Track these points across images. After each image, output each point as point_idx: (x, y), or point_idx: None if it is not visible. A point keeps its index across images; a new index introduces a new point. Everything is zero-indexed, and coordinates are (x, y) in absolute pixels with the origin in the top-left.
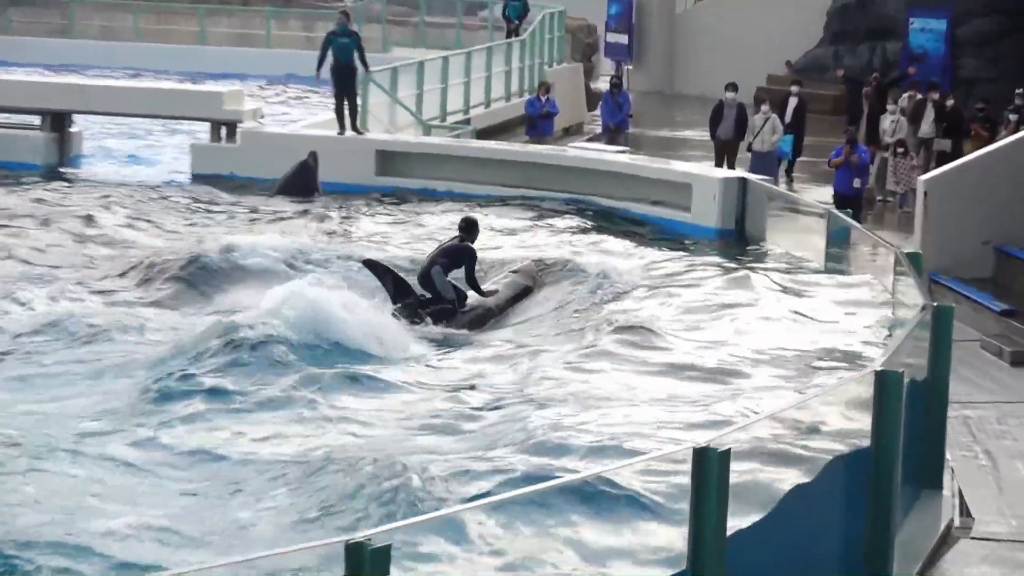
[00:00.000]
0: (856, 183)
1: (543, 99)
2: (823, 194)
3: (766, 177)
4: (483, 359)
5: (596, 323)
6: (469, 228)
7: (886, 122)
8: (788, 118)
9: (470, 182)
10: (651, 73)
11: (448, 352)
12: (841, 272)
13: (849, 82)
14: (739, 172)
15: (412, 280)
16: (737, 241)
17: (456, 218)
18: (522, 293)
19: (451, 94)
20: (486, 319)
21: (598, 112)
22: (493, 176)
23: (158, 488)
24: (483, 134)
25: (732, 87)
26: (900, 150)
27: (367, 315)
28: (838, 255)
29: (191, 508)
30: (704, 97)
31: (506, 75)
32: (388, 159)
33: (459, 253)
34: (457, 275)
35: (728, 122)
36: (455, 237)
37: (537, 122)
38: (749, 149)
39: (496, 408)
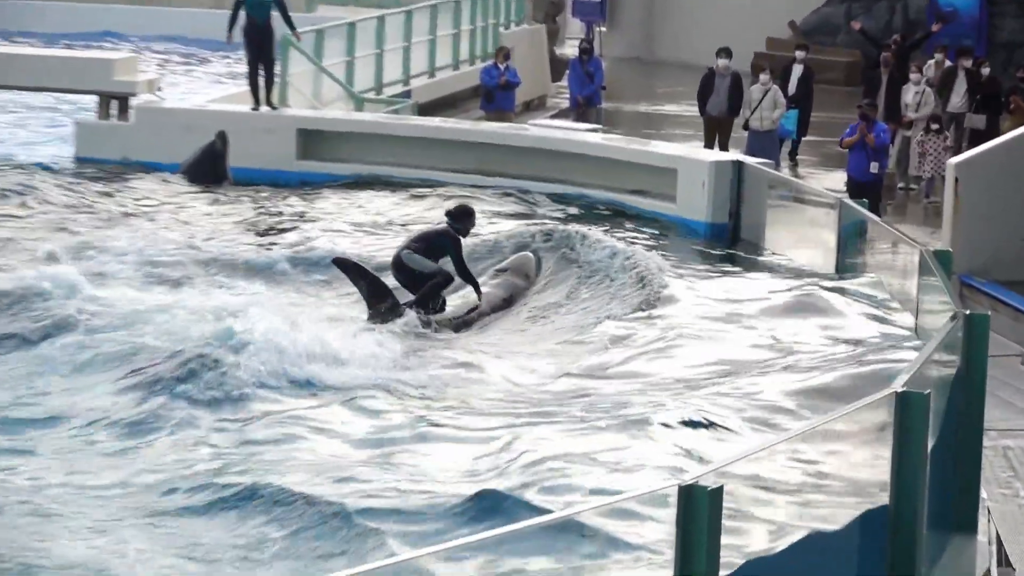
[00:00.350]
0: (873, 167)
1: (502, 67)
2: (834, 180)
3: (766, 160)
4: (458, 376)
5: (584, 333)
6: (460, 216)
7: (909, 94)
8: (792, 89)
9: (411, 167)
10: (628, 36)
11: (421, 364)
12: (855, 274)
13: (867, 40)
14: (733, 154)
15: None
16: (731, 237)
17: (395, 211)
18: (517, 295)
19: (388, 61)
20: (472, 324)
21: (564, 83)
22: (439, 159)
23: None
24: (426, 109)
25: (725, 53)
26: (935, 126)
27: (318, 336)
28: (851, 253)
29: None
30: (691, 65)
31: (454, 39)
32: (312, 140)
33: (437, 238)
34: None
35: (720, 95)
36: (440, 223)
37: (495, 94)
38: (745, 127)
39: (460, 438)
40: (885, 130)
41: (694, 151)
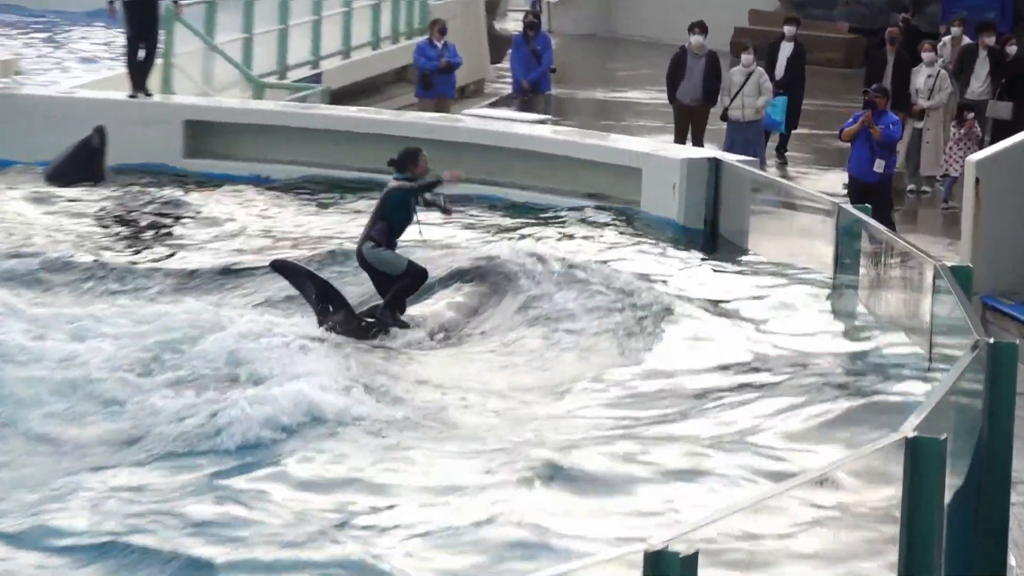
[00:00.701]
0: (878, 166)
1: (439, 44)
2: (831, 181)
3: (749, 158)
4: (437, 405)
5: (548, 360)
6: (403, 162)
7: (920, 78)
8: (780, 72)
9: (322, 166)
10: (582, 8)
11: (394, 390)
12: (856, 294)
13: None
14: (710, 150)
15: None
16: (707, 247)
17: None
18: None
19: (294, 39)
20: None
21: (506, 65)
22: (355, 157)
23: None
24: (340, 96)
25: (699, 28)
26: (970, 115)
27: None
28: (851, 269)
29: None
30: (658, 43)
31: (373, 12)
32: (202, 133)
33: (387, 202)
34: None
35: (694, 79)
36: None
37: (433, 78)
38: (724, 117)
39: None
40: (895, 122)
41: (662, 147)
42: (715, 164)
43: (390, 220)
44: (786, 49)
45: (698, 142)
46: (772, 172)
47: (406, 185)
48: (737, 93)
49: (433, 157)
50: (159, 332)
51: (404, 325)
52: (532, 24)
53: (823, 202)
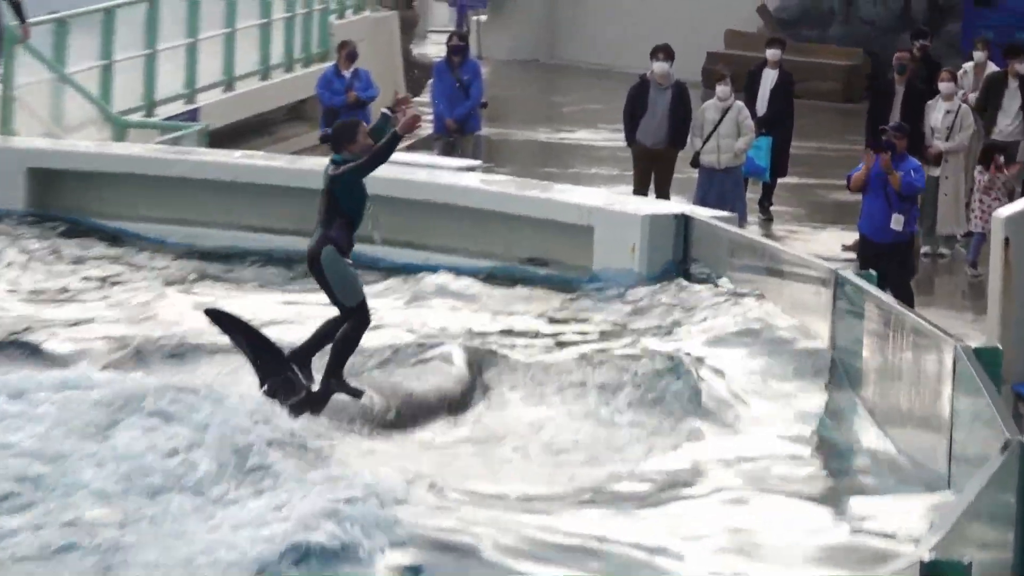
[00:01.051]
0: (896, 222)
1: (347, 73)
2: (827, 242)
3: (725, 213)
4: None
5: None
6: (337, 141)
7: (937, 114)
8: (763, 107)
9: (199, 224)
10: (520, 29)
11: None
12: (858, 382)
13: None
14: (677, 204)
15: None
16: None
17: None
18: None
19: (164, 67)
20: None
21: (426, 98)
22: (240, 213)
23: None
24: (222, 137)
25: (664, 53)
26: (998, 158)
27: None
28: (852, 352)
29: None
30: (611, 70)
31: (262, 33)
32: (49, 182)
33: (336, 189)
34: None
35: (657, 116)
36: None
37: (341, 116)
38: (695, 163)
39: None
40: (918, 168)
41: (619, 200)
42: (684, 221)
43: (348, 212)
44: (769, 78)
45: (663, 193)
46: (754, 230)
47: (352, 164)
48: (711, 133)
49: None
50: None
51: (357, 394)
52: (458, 48)
53: (818, 268)
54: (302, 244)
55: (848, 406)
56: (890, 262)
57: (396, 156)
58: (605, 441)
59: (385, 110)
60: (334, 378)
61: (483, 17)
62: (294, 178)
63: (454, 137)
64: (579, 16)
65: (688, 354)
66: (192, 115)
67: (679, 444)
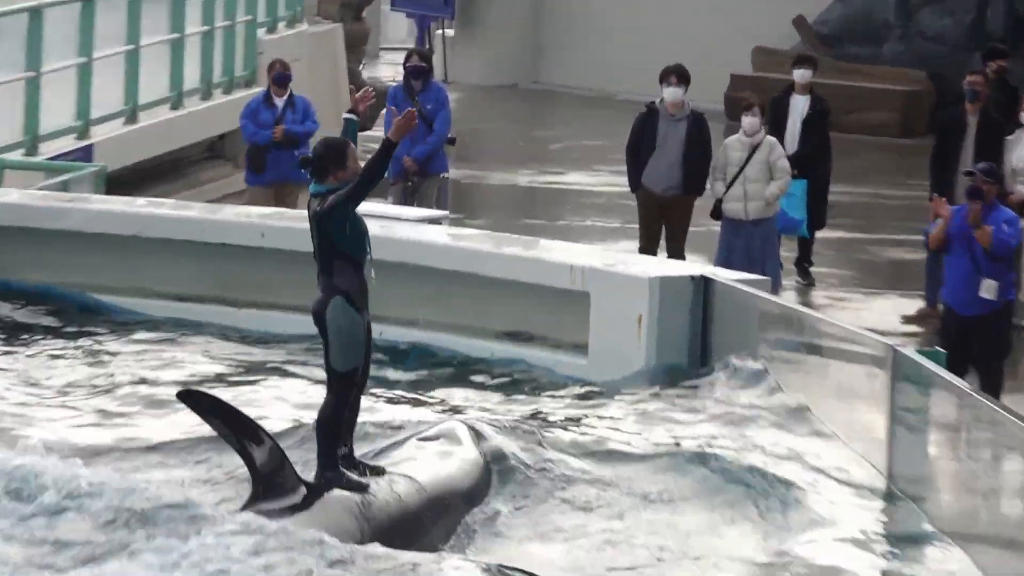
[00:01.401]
0: (988, 288)
1: (279, 101)
2: (885, 312)
3: (755, 276)
4: None
5: None
6: (321, 167)
7: (1020, 151)
8: (792, 143)
9: (93, 289)
10: (495, 47)
11: None
12: (925, 496)
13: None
14: (694, 265)
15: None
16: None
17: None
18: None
19: (49, 94)
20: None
21: (378, 132)
22: (147, 276)
23: None
24: (121, 181)
25: (677, 76)
26: None
27: None
28: (918, 455)
29: None
30: (610, 97)
31: (172, 50)
32: None
33: (329, 230)
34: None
35: (669, 155)
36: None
37: (268, 154)
38: (717, 214)
39: None
40: (1012, 220)
41: (620, 259)
42: (703, 285)
43: (348, 252)
44: (799, 106)
45: (676, 251)
46: (791, 297)
47: (342, 194)
48: (736, 176)
49: (265, 277)
50: None
51: (363, 488)
52: (419, 70)
53: (871, 344)
54: (219, 315)
55: (915, 527)
56: (979, 339)
57: None
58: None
59: (348, 115)
60: (329, 471)
61: (450, 31)
62: (213, 232)
63: (414, 181)
64: (570, 31)
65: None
66: (85, 153)
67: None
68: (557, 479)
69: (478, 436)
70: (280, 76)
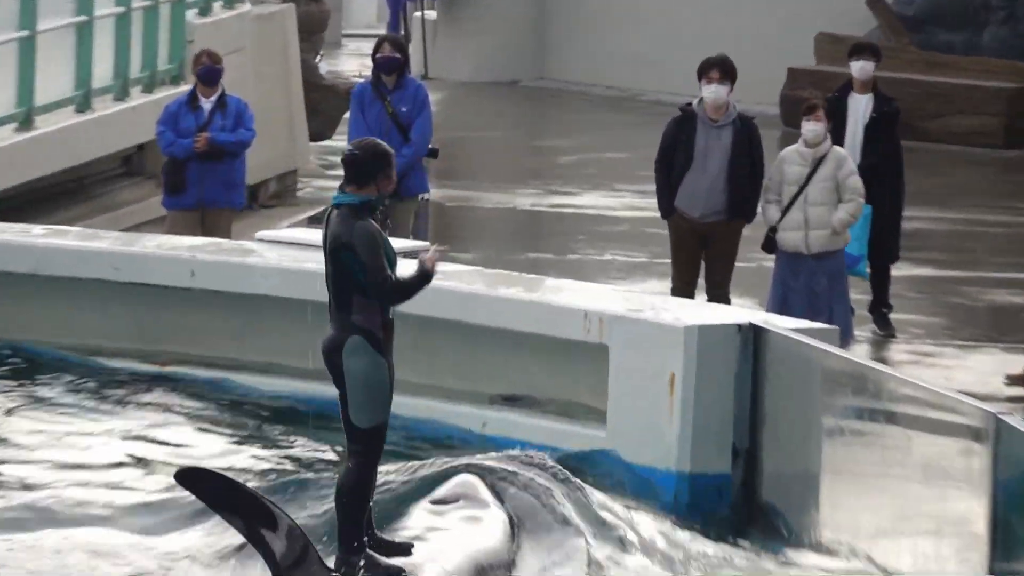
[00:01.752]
0: None
1: (206, 104)
2: (985, 371)
3: (817, 326)
4: None
5: None
6: (362, 174)
7: None
8: (853, 152)
9: None
10: (489, 35)
11: None
12: None
13: None
14: (742, 309)
15: None
16: (738, 510)
17: None
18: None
19: None
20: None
21: (340, 141)
22: (49, 325)
23: None
24: (11, 205)
25: (720, 71)
26: None
27: None
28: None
29: None
30: (633, 97)
31: (78, 36)
32: None
33: (343, 273)
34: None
35: (710, 169)
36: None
37: (187, 171)
38: (770, 246)
39: None
40: None
41: (648, 303)
42: (752, 335)
43: (365, 318)
44: (860, 107)
45: (719, 292)
46: (863, 351)
47: (356, 258)
48: (795, 198)
49: (196, 325)
50: None
51: (397, 572)
52: (391, 62)
53: (967, 411)
54: (136, 365)
55: None
56: None
57: (297, 236)
58: None
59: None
60: (354, 555)
61: (431, 14)
62: (130, 269)
63: (386, 205)
64: (584, 15)
65: None
66: None
67: None
68: (582, 535)
69: (494, 491)
70: (207, 71)
